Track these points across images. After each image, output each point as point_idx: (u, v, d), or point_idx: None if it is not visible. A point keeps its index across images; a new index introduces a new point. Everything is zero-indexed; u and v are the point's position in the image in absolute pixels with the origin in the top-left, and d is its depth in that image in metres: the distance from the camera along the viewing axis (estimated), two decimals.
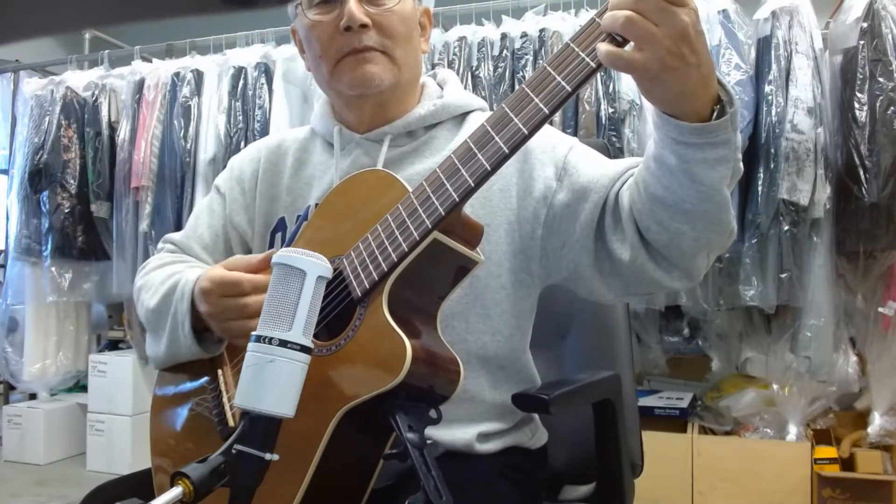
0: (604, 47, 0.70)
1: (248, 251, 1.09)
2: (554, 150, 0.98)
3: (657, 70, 0.69)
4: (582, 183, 0.92)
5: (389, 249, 0.80)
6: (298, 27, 1.03)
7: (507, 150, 0.76)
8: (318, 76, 1.04)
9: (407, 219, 0.80)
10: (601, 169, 0.93)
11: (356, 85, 0.98)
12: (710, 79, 0.73)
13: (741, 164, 0.80)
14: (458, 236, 0.82)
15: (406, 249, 0.79)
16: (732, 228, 0.84)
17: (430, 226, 0.78)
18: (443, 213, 0.78)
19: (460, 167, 0.78)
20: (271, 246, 1.06)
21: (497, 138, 0.76)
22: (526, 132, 0.75)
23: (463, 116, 1.05)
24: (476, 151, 0.77)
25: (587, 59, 0.72)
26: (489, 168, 0.77)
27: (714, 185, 0.78)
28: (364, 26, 0.95)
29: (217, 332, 0.90)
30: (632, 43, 0.70)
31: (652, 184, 0.81)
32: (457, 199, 0.77)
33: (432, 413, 0.76)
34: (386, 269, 0.80)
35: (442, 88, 1.08)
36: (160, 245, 1.14)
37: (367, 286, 0.81)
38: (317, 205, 0.99)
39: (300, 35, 1.04)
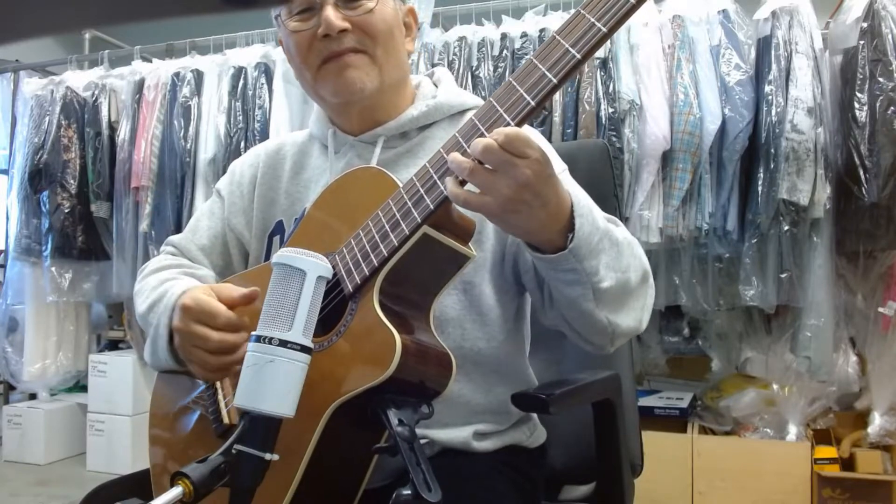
0: (452, 188, 0.75)
1: (246, 254, 1.10)
2: None
3: (499, 213, 0.75)
4: None
5: (381, 245, 0.81)
6: (282, 37, 1.04)
7: None
8: (304, 84, 1.05)
9: (397, 214, 0.80)
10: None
11: (339, 92, 0.98)
12: (560, 213, 0.77)
13: (612, 283, 0.82)
14: (450, 231, 0.82)
15: (396, 244, 0.79)
16: (613, 332, 0.87)
17: (419, 220, 0.78)
18: (432, 208, 0.78)
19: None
20: (268, 249, 1.06)
21: (484, 131, 0.76)
22: (513, 125, 0.75)
23: (459, 115, 1.04)
24: (464, 145, 0.77)
25: (572, 51, 0.73)
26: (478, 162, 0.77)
27: (572, 299, 0.84)
28: (343, 31, 0.95)
29: (178, 349, 0.88)
30: None
31: None
32: (446, 194, 0.77)
33: (424, 408, 0.76)
34: (377, 265, 0.80)
35: (437, 88, 1.08)
36: (162, 248, 1.14)
37: (359, 282, 0.81)
38: None
39: (284, 45, 1.05)
